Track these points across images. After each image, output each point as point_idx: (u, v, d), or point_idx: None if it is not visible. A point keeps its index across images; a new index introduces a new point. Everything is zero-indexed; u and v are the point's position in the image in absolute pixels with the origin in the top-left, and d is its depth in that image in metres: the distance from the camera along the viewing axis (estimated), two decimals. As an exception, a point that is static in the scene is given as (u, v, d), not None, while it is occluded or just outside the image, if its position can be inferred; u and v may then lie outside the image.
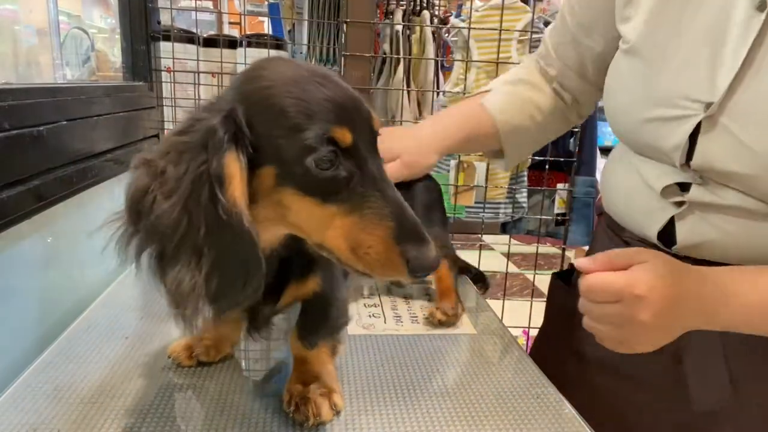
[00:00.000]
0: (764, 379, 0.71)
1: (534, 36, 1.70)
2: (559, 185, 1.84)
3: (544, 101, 0.96)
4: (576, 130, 1.64)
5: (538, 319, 1.07)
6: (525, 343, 1.94)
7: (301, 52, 1.91)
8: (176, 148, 0.45)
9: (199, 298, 0.44)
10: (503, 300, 1.71)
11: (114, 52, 1.81)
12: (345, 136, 0.44)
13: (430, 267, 0.44)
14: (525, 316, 1.72)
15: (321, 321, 0.66)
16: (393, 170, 0.82)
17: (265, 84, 0.46)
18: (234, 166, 0.43)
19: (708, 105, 0.65)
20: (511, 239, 1.88)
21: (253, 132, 0.45)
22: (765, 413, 0.71)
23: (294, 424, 0.62)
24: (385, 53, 1.84)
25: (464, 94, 1.66)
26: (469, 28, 1.62)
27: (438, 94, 1.91)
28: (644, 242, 0.76)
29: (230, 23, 3.29)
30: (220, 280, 0.45)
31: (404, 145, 0.88)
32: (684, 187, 0.70)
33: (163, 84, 1.36)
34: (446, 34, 1.95)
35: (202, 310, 0.46)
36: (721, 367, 0.72)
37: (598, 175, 2.00)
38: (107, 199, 1.12)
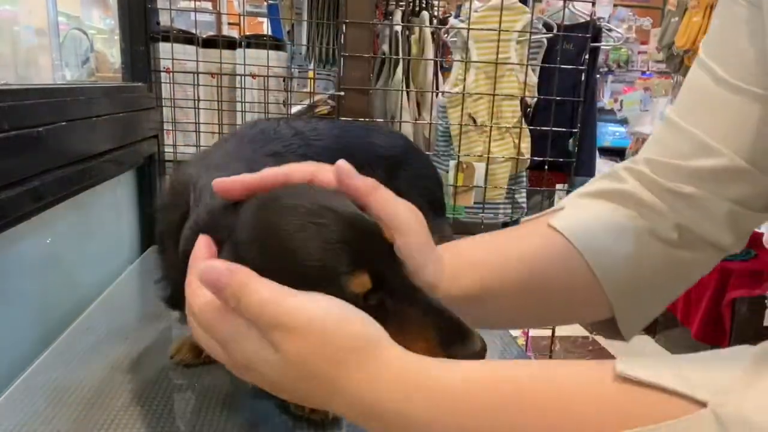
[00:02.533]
0: None
1: (533, 37, 1.71)
2: (559, 185, 1.84)
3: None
4: (575, 130, 1.64)
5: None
6: (524, 343, 1.94)
7: (300, 53, 1.91)
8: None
9: None
10: (503, 300, 1.70)
11: (113, 53, 1.81)
12: (365, 282, 0.42)
13: (478, 359, 0.43)
14: (524, 317, 1.71)
15: None
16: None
17: (273, 238, 0.43)
18: None
19: None
20: (511, 240, 1.88)
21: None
22: None
23: (302, 424, 0.62)
24: (384, 54, 1.84)
25: (463, 94, 1.66)
26: (468, 29, 1.62)
27: (437, 94, 1.91)
28: None
29: (229, 24, 3.29)
30: None
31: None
32: None
33: (163, 85, 1.36)
34: (445, 35, 1.95)
35: None
36: None
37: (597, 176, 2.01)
38: (107, 200, 1.12)
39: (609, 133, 4.53)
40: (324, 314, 0.39)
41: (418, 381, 0.38)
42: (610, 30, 1.98)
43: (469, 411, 0.36)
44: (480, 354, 0.43)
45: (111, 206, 1.16)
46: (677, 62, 3.58)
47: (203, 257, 0.45)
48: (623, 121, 4.40)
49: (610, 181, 0.59)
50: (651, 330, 3.22)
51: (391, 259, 0.45)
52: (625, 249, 0.55)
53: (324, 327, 0.38)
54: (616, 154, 4.48)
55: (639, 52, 4.72)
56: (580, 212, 0.58)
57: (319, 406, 0.43)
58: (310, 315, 0.38)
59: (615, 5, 4.32)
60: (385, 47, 1.84)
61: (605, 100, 4.61)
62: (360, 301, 0.41)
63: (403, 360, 0.39)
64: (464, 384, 0.37)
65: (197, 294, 0.42)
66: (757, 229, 2.82)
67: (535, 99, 1.81)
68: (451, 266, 0.52)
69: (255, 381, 0.42)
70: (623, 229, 0.55)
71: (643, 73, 4.61)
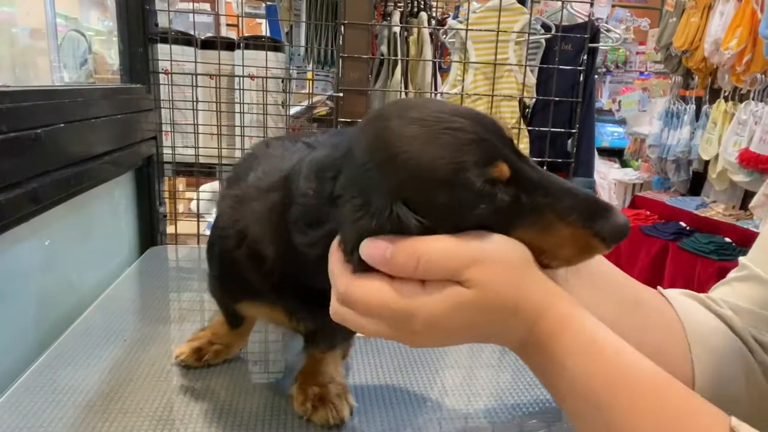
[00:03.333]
0: None
1: (531, 37, 1.71)
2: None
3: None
4: (574, 131, 1.64)
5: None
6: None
7: (299, 54, 1.91)
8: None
9: None
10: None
11: (111, 55, 1.81)
12: (504, 170, 0.42)
13: (625, 231, 0.44)
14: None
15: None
16: None
17: (404, 148, 0.43)
18: None
19: None
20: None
21: (410, 203, 0.43)
22: None
23: (302, 425, 0.62)
24: (382, 55, 1.84)
25: (462, 95, 1.66)
26: (467, 30, 1.62)
27: (436, 95, 1.91)
28: None
29: (228, 25, 3.29)
30: None
31: None
32: None
33: (161, 86, 1.36)
34: (443, 36, 1.95)
35: None
36: None
37: (596, 176, 2.01)
38: (105, 202, 1.12)
39: (607, 134, 4.53)
40: (489, 239, 0.43)
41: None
42: (608, 30, 1.98)
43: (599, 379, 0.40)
44: (625, 226, 0.44)
45: (110, 208, 1.15)
46: (675, 62, 3.59)
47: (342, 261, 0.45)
48: (621, 122, 4.40)
49: (700, 297, 0.61)
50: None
51: (515, 151, 0.45)
52: (718, 342, 0.57)
53: (498, 249, 0.43)
54: (615, 154, 4.49)
55: (637, 53, 4.72)
56: (681, 298, 0.61)
57: (507, 333, 0.44)
58: (483, 243, 0.42)
59: (613, 6, 4.33)
60: (384, 48, 1.84)
61: (603, 101, 4.62)
62: (497, 195, 0.42)
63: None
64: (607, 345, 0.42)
65: (362, 287, 0.43)
66: (754, 229, 2.83)
67: (534, 99, 1.81)
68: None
69: (444, 340, 0.45)
70: (719, 327, 0.58)
71: (642, 73, 4.62)
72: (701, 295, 0.62)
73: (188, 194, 1.73)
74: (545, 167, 1.61)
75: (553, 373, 0.43)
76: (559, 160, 1.65)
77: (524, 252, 0.44)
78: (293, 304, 0.58)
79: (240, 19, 1.50)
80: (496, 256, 0.42)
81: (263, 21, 2.61)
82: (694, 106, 3.52)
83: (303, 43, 1.88)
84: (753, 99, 2.97)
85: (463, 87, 1.73)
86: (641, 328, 0.53)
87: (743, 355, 0.56)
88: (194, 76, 1.39)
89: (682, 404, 0.39)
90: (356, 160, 0.44)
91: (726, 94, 3.22)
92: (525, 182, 0.44)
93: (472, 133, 0.43)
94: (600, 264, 0.56)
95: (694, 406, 0.39)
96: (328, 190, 0.46)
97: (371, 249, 0.42)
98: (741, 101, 3.08)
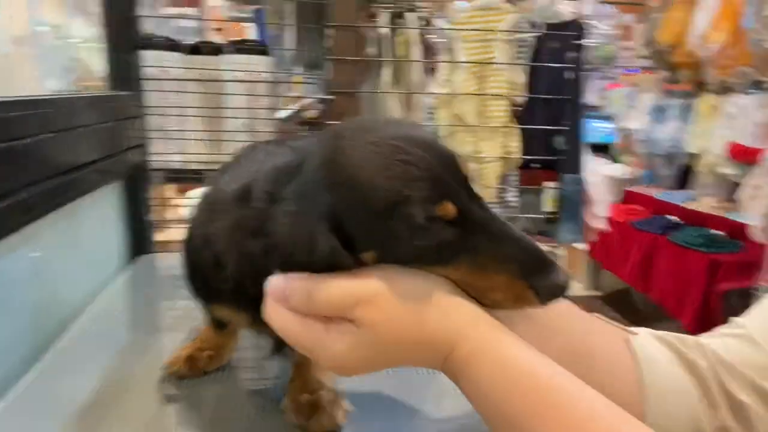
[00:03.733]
0: None
1: (519, 36, 1.71)
2: (548, 183, 1.85)
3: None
4: (563, 128, 1.65)
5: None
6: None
7: (287, 58, 1.90)
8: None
9: None
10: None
11: (98, 62, 1.80)
12: (450, 210, 0.42)
13: (561, 292, 0.43)
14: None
15: None
16: None
17: (352, 171, 0.43)
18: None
19: None
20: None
21: (347, 224, 0.43)
22: None
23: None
24: (371, 56, 1.84)
25: (451, 95, 1.66)
26: (455, 29, 1.63)
27: (426, 95, 1.91)
28: None
29: (214, 30, 3.27)
30: None
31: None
32: None
33: (148, 93, 1.35)
34: (432, 36, 1.96)
35: None
36: None
37: (585, 172, 2.02)
38: (94, 211, 1.11)
39: (596, 130, 4.56)
40: (388, 278, 0.43)
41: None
42: (595, 27, 1.99)
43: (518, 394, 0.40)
44: (563, 286, 0.43)
45: (99, 216, 1.15)
46: (662, 58, 3.62)
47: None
48: (610, 118, 4.43)
49: (682, 344, 0.57)
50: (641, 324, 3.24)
51: (469, 191, 0.45)
52: (676, 399, 0.53)
53: (394, 288, 0.42)
54: (604, 150, 4.51)
55: (624, 49, 4.75)
56: (651, 348, 0.56)
57: (421, 363, 0.46)
58: (378, 282, 0.42)
59: (601, 1, 4.35)
60: (372, 50, 1.84)
61: (591, 97, 4.64)
62: (438, 232, 0.42)
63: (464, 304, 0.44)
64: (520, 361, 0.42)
65: (277, 315, 0.45)
66: (743, 221, 2.85)
67: (523, 98, 1.81)
68: None
69: (357, 372, 0.45)
70: (682, 380, 0.54)
71: (629, 69, 4.65)
72: (680, 339, 0.57)
73: (177, 201, 1.72)
74: (538, 165, 1.62)
75: (473, 400, 0.44)
76: (549, 158, 1.65)
77: (438, 287, 0.44)
78: (251, 312, 0.58)
79: (226, 23, 1.49)
80: (391, 296, 0.42)
81: (250, 25, 2.60)
82: (681, 101, 3.54)
83: (291, 46, 1.87)
84: (739, 92, 3.00)
85: (452, 87, 1.73)
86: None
87: (696, 420, 0.53)
88: (182, 82, 1.38)
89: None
90: (306, 174, 0.45)
91: (712, 87, 3.25)
92: (471, 224, 0.43)
93: (425, 169, 0.42)
94: (557, 312, 0.52)
95: None
96: (280, 192, 0.46)
97: (273, 286, 0.44)
98: (727, 94, 3.11)
